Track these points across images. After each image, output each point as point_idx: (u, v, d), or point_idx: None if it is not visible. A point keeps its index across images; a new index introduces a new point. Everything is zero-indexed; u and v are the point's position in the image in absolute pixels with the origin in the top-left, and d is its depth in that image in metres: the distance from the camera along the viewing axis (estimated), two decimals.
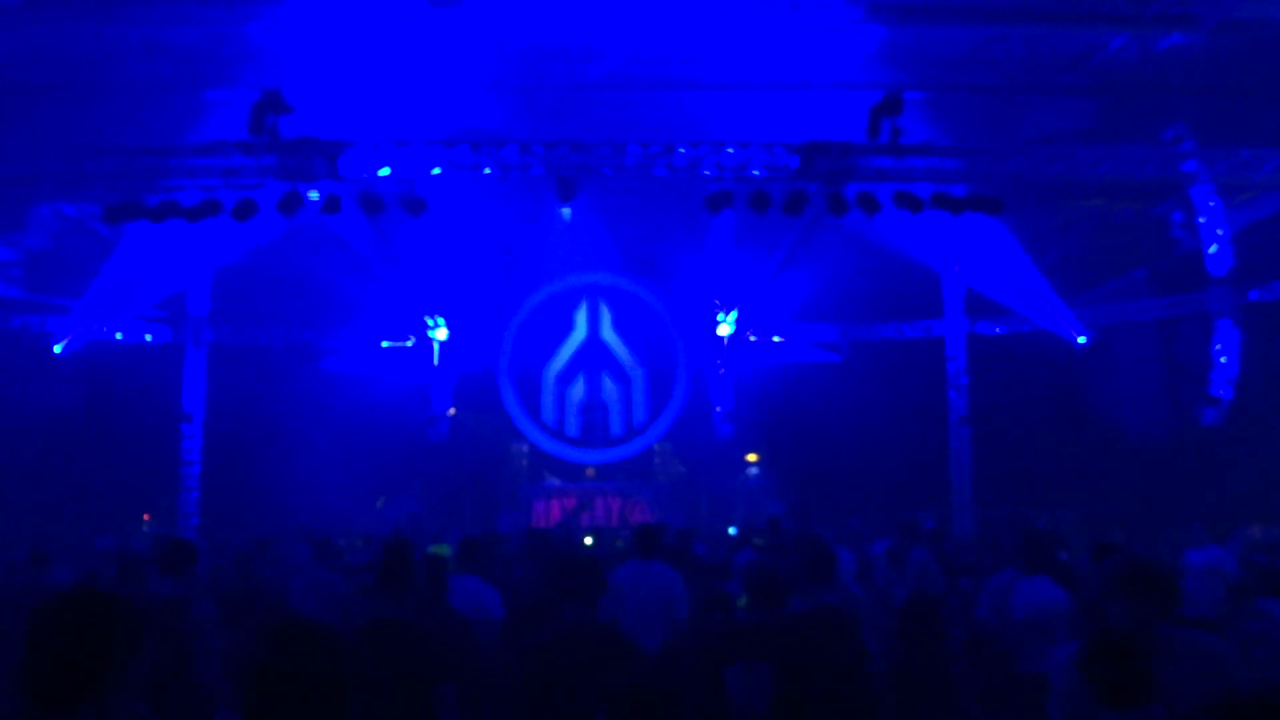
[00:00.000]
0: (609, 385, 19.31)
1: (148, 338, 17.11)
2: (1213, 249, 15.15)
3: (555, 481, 19.48)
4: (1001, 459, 15.57)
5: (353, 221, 14.28)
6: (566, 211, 15.84)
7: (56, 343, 15.94)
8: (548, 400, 19.23)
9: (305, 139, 11.59)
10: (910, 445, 16.27)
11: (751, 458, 19.93)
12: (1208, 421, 14.86)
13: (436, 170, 12.99)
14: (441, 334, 18.36)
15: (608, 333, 19.31)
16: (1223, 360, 14.92)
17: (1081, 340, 16.64)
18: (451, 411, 18.83)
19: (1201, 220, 15.10)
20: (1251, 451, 13.88)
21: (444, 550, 7.99)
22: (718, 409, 19.38)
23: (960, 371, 16.18)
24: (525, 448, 19.84)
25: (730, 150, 13.00)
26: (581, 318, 19.31)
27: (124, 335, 16.98)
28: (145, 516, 17.38)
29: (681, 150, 12.91)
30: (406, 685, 3.92)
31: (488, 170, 13.27)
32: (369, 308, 17.84)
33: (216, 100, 13.30)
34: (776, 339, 19.14)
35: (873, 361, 18.04)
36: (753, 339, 18.97)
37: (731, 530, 14.66)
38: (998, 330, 17.56)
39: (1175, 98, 12.10)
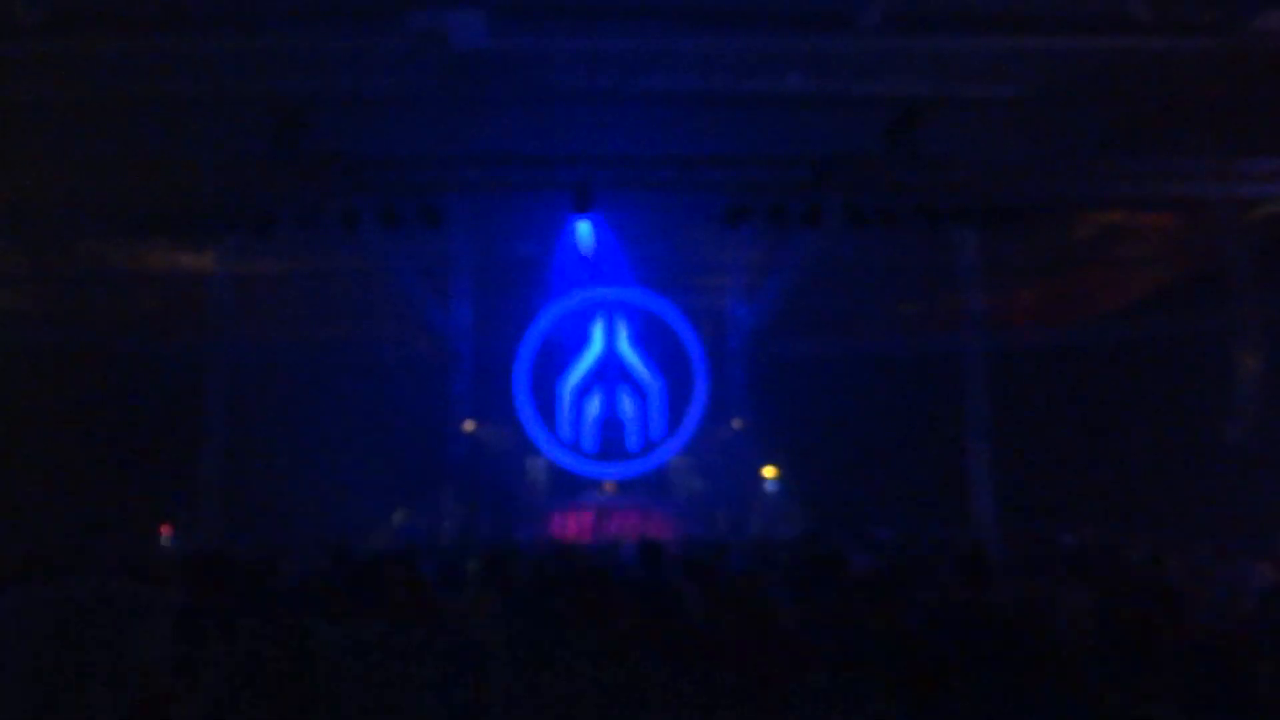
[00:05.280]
0: (626, 400, 19.24)
1: None
2: (1235, 263, 15.04)
3: (573, 496, 19.44)
4: (1024, 473, 15.42)
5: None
6: (584, 225, 15.91)
7: None
8: (564, 415, 19.18)
9: (329, 153, 11.64)
10: (927, 457, 16.15)
11: (769, 472, 19.80)
12: (1233, 438, 14.70)
13: (455, 184, 13.04)
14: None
15: (624, 347, 19.26)
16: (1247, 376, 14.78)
17: None
18: (469, 426, 18.84)
19: (1223, 234, 15.02)
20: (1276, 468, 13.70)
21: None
22: (735, 423, 19.31)
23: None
24: (541, 463, 19.81)
25: (747, 164, 13.01)
26: (598, 332, 19.27)
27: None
28: (164, 530, 17.35)
29: (699, 163, 12.95)
30: None
31: (505, 184, 13.32)
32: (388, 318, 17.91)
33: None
34: None
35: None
36: None
37: None
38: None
39: (1198, 109, 12.00)
